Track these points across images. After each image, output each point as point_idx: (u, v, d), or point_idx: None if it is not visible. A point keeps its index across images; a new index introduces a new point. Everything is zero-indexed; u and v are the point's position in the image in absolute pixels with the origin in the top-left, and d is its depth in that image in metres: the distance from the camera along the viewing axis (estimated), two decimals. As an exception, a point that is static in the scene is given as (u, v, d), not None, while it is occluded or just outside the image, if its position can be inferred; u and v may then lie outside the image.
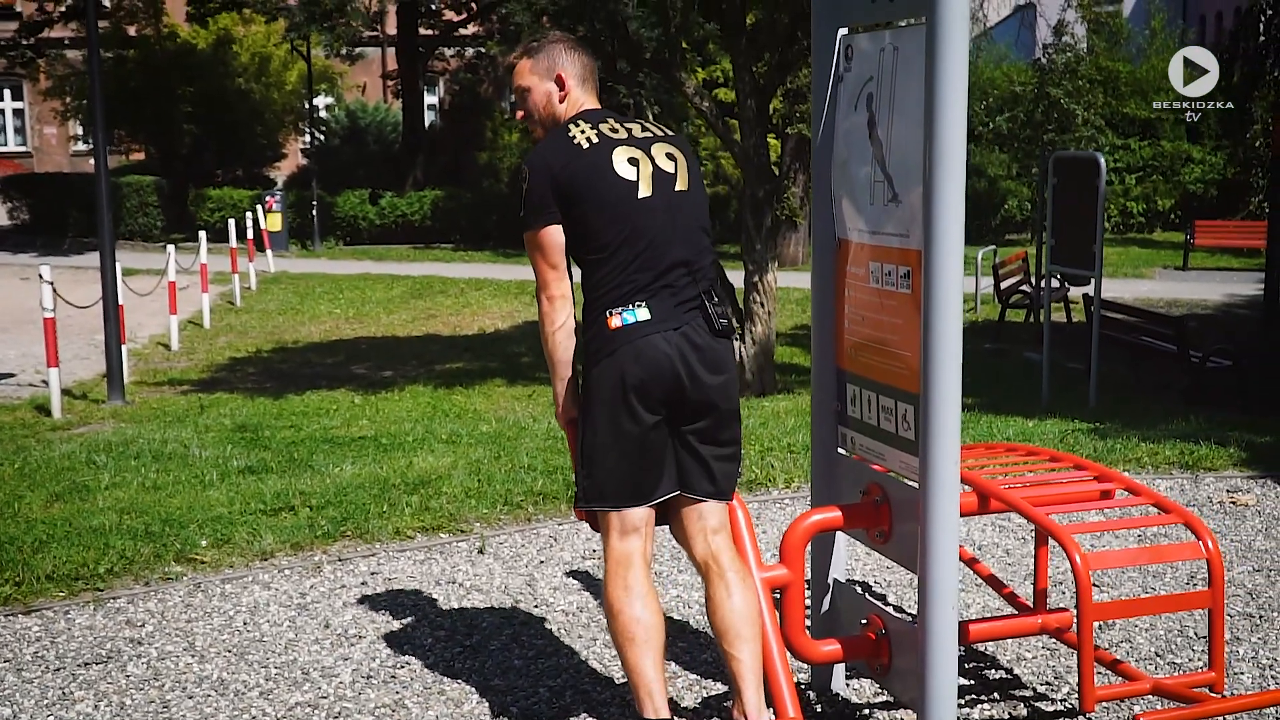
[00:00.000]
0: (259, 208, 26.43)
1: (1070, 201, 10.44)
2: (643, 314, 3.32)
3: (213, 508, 5.97)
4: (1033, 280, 17.78)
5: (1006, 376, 12.97)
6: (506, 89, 38.00)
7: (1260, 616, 4.50)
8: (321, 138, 32.62)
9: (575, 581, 5.00)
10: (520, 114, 3.56)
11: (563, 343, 3.37)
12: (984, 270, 19.32)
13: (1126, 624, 4.39)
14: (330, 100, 35.76)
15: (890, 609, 4.40)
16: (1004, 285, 17.08)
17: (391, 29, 31.92)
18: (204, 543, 5.36)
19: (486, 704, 3.93)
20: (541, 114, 3.50)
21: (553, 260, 3.33)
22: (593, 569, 5.14)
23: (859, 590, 3.99)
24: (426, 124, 34.59)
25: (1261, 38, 24.78)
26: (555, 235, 3.32)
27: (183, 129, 32.04)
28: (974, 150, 31.38)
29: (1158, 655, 4.17)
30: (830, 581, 3.86)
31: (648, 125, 3.52)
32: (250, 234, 22.90)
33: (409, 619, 4.62)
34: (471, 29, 32.00)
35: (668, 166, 3.40)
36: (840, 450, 3.81)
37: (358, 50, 31.60)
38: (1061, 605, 4.10)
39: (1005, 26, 42.50)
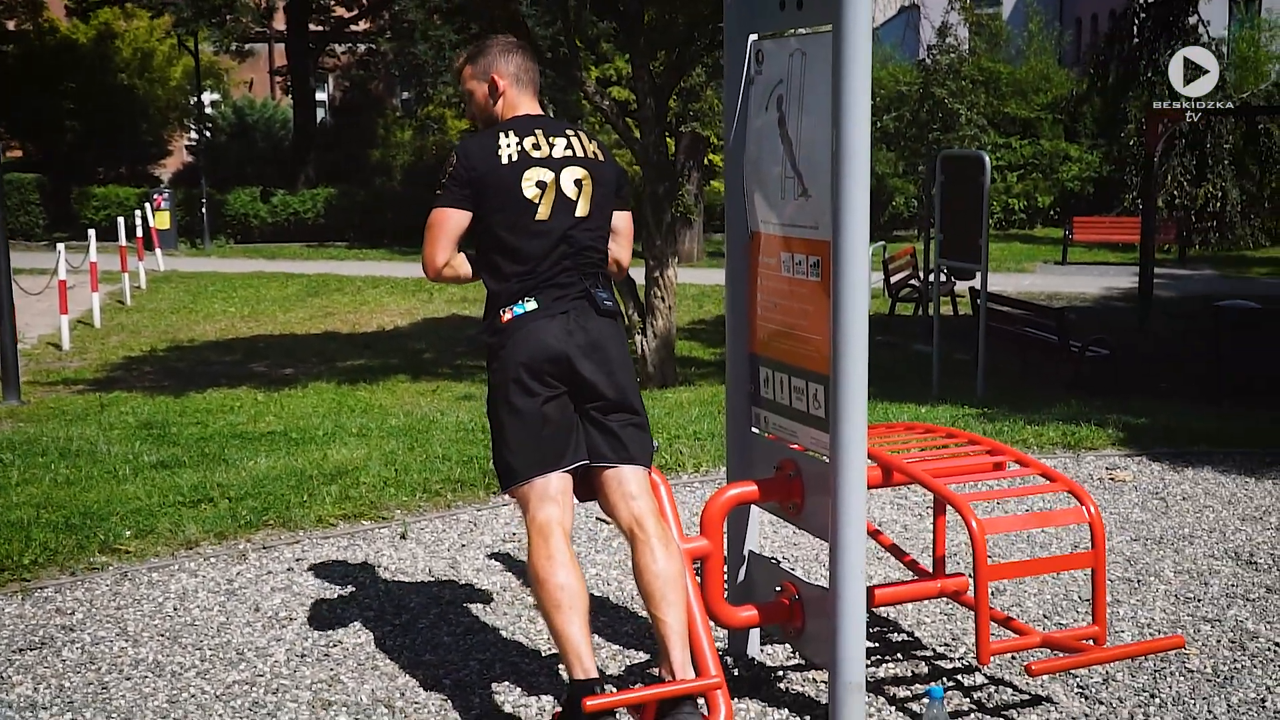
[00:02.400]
0: (147, 206, 26.03)
1: (957, 198, 10.87)
2: (530, 305, 3.61)
3: (130, 500, 6.04)
4: (921, 275, 18.31)
5: (898, 367, 13.40)
6: (398, 86, 37.86)
7: (1138, 581, 4.86)
8: (208, 134, 32.14)
9: (497, 563, 5.20)
10: (467, 117, 3.78)
11: (458, 269, 3.69)
12: (873, 265, 19.83)
13: (1016, 589, 4.71)
14: (216, 97, 35.27)
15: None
16: (894, 280, 17.59)
17: (281, 25, 31.62)
18: (128, 533, 5.44)
19: (419, 677, 4.10)
20: (480, 115, 3.74)
21: (436, 244, 3.63)
22: (513, 550, 5.34)
23: (772, 561, 4.24)
24: (317, 121, 34.27)
25: (1135, 39, 25.76)
26: (453, 218, 3.61)
27: (64, 125, 31.40)
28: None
29: (1045, 617, 4.49)
30: (746, 553, 4.11)
31: (574, 142, 3.73)
32: (139, 232, 22.59)
33: (337, 601, 4.77)
34: (363, 25, 31.82)
35: (571, 193, 3.66)
36: (754, 429, 4.07)
37: (248, 46, 31.23)
38: (958, 571, 4.39)
39: (891, 27, 43.45)
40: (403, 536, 5.52)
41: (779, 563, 4.35)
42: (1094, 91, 27.71)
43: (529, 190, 3.61)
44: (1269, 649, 4.22)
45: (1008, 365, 13.14)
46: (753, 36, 3.90)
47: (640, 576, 3.53)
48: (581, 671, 3.38)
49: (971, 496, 3.71)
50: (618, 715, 3.39)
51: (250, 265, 24.93)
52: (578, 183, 3.69)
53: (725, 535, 3.96)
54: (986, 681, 4.00)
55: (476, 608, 4.71)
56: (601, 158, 3.74)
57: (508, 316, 3.62)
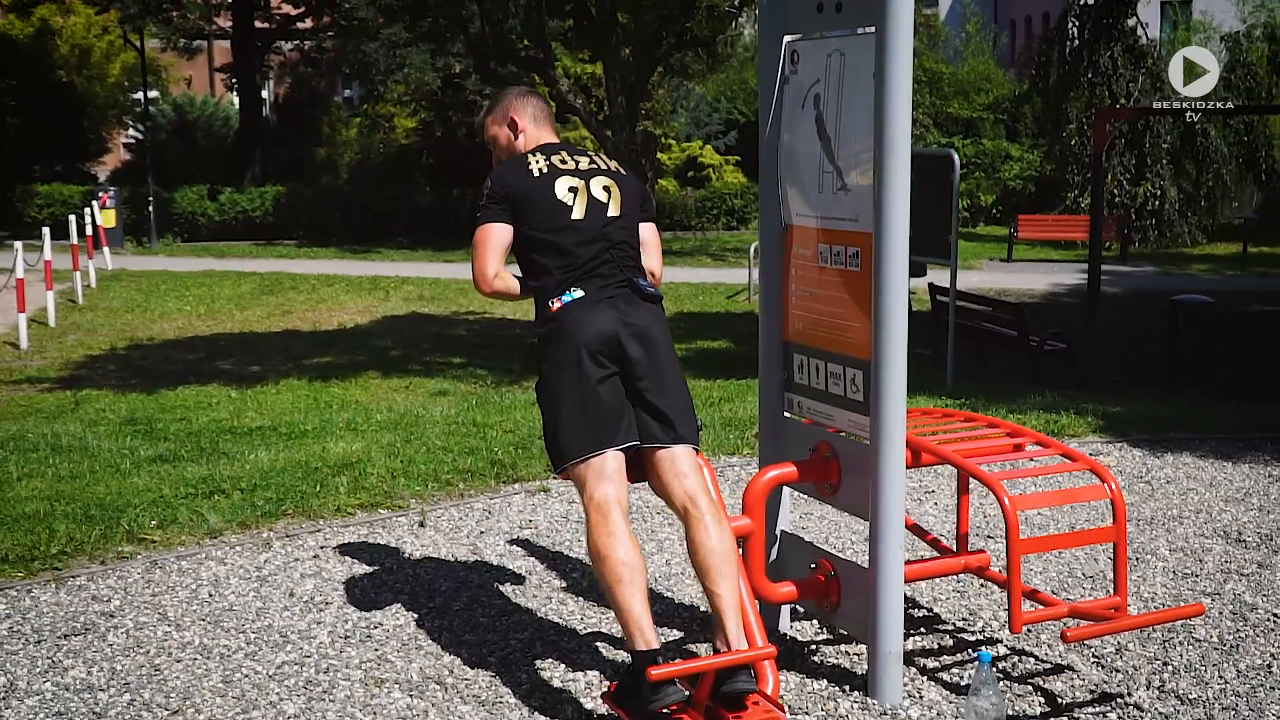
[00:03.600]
0: (93, 204, 25.76)
1: (924, 195, 11.10)
2: (578, 293, 3.82)
3: (144, 493, 6.11)
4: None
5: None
6: (340, 81, 37.66)
7: (1137, 559, 5.11)
8: (148, 132, 31.85)
9: (518, 549, 5.34)
10: (495, 161, 4.12)
11: (508, 281, 3.90)
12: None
13: (1025, 569, 4.94)
14: (155, 94, 34.93)
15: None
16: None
17: (226, 22, 31.40)
18: (153, 523, 5.52)
19: (464, 656, 4.25)
20: (506, 155, 4.05)
21: (484, 258, 3.84)
22: (531, 537, 5.49)
23: (806, 539, 4.43)
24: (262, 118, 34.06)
25: (1074, 41, 26.31)
26: (497, 233, 3.85)
27: (5, 123, 30.99)
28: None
29: (1053, 592, 4.72)
30: (779, 532, 4.29)
31: (595, 159, 4.05)
32: (89, 230, 22.40)
33: (369, 586, 4.90)
34: (309, 23, 31.69)
35: (602, 196, 3.92)
36: (786, 414, 4.25)
37: (195, 43, 30.99)
38: (979, 548, 4.61)
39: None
40: (421, 524, 5.65)
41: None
42: (1035, 92, 28.27)
43: (562, 194, 3.87)
44: (1269, 619, 4.47)
45: (967, 359, 13.43)
46: (787, 38, 4.08)
47: (695, 552, 3.70)
48: (644, 643, 3.55)
49: (1002, 475, 3.91)
50: (677, 684, 3.55)
51: (200, 264, 24.77)
52: (606, 189, 3.94)
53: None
54: (1009, 652, 4.22)
55: (507, 590, 4.86)
56: (624, 172, 4.04)
57: (556, 306, 3.82)
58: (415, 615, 4.61)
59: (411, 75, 28.18)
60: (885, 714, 3.76)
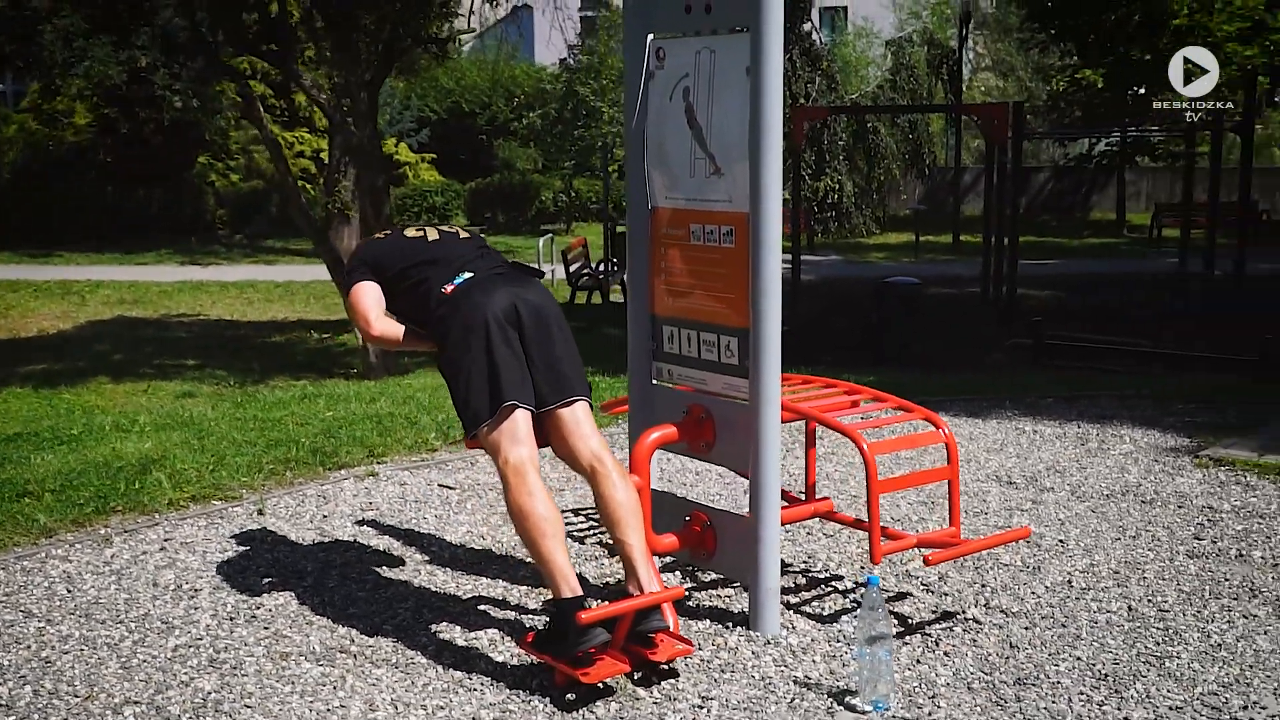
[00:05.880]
0: None
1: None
2: (468, 275, 4.18)
3: (-55, 499, 5.87)
4: (592, 264, 19.20)
5: (601, 351, 14.13)
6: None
7: (933, 503, 5.76)
8: None
9: (368, 529, 5.50)
10: None
11: (388, 329, 4.29)
12: (546, 257, 20.57)
13: (858, 509, 5.50)
14: None
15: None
16: (571, 269, 18.39)
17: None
18: (-22, 526, 5.36)
19: (358, 626, 4.40)
20: None
21: (361, 311, 4.29)
22: (376, 518, 5.64)
23: (678, 495, 4.81)
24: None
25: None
26: (369, 289, 4.30)
27: None
28: (505, 146, 32.85)
29: (899, 526, 5.29)
30: (652, 491, 4.65)
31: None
32: None
33: (233, 571, 4.95)
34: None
35: (447, 228, 4.49)
36: (654, 381, 4.62)
37: None
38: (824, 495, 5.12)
39: (502, 27, 44.40)
40: (260, 512, 5.70)
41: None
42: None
43: (411, 234, 4.42)
44: (1057, 545, 5.18)
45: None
46: (650, 36, 4.45)
47: (605, 506, 4.02)
48: (569, 591, 3.84)
49: (859, 426, 4.42)
50: (601, 627, 3.84)
51: None
52: (443, 228, 4.51)
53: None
54: (854, 586, 4.74)
55: (374, 566, 5.02)
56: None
57: (449, 289, 4.12)
58: (292, 594, 4.72)
59: (94, 69, 26.74)
60: (769, 642, 4.19)
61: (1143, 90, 27.59)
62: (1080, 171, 33.62)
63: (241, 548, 5.24)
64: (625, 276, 18.68)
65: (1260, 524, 5.43)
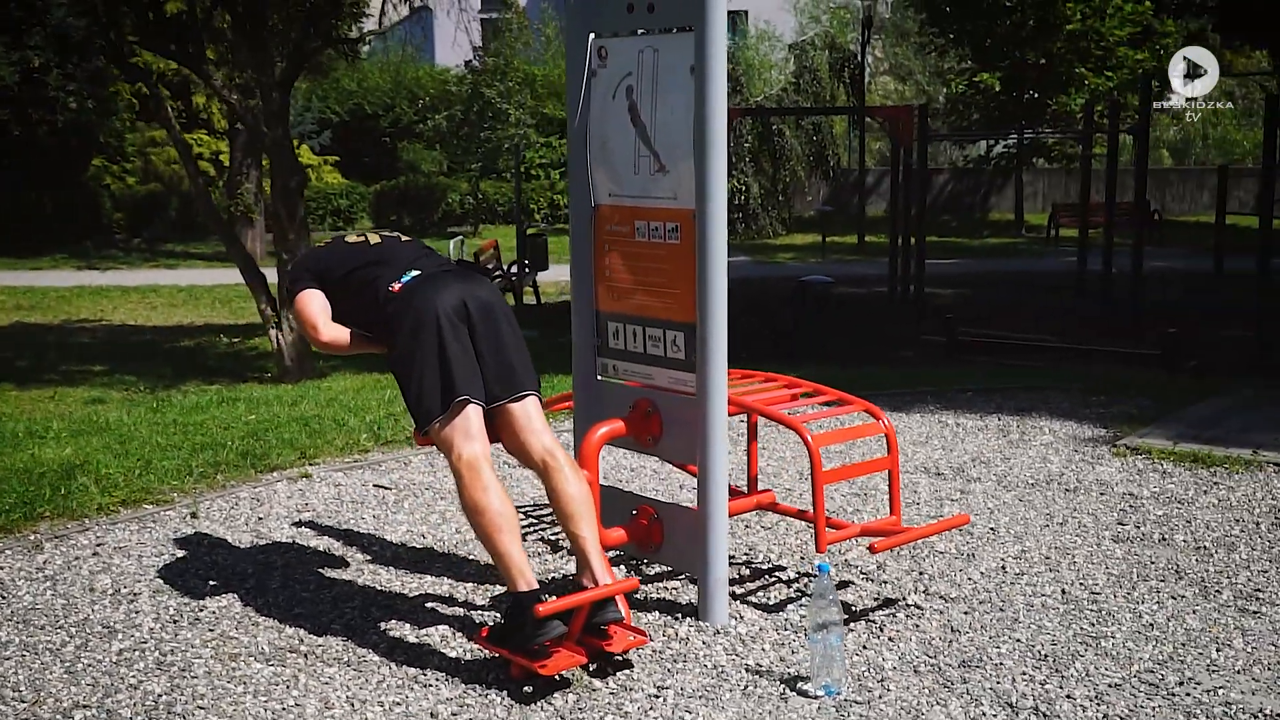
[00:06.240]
0: None
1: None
2: (414, 273, 4.20)
3: None
4: (504, 266, 19.16)
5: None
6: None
7: (867, 495, 5.87)
8: None
9: (306, 530, 5.46)
10: None
11: (336, 334, 4.30)
12: (456, 259, 20.46)
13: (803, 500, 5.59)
14: None
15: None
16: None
17: None
18: (-95, 534, 5.23)
19: (305, 626, 4.38)
20: None
21: (309, 318, 4.32)
22: (313, 518, 5.61)
23: (623, 490, 4.86)
24: None
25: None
26: (315, 296, 4.34)
27: None
28: (409, 148, 32.61)
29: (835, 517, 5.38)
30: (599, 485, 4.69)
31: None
32: None
33: (173, 575, 4.89)
34: None
35: (388, 233, 4.57)
36: (599, 377, 4.67)
37: None
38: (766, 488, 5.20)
39: (405, 27, 44.09)
40: (193, 515, 5.63)
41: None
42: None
43: (352, 239, 4.47)
44: (988, 532, 5.32)
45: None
46: (591, 35, 4.49)
47: (558, 500, 4.05)
48: (525, 584, 3.87)
49: (802, 419, 4.50)
50: (558, 620, 3.87)
51: None
52: (383, 234, 4.58)
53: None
54: (796, 576, 4.83)
55: (316, 568, 4.99)
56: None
57: (397, 286, 4.13)
58: (235, 596, 4.68)
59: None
60: (718, 632, 4.26)
61: (1036, 94, 28.32)
62: (979, 173, 34.33)
63: (178, 551, 5.18)
64: (537, 277, 18.78)
65: (1179, 509, 5.63)
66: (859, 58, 30.83)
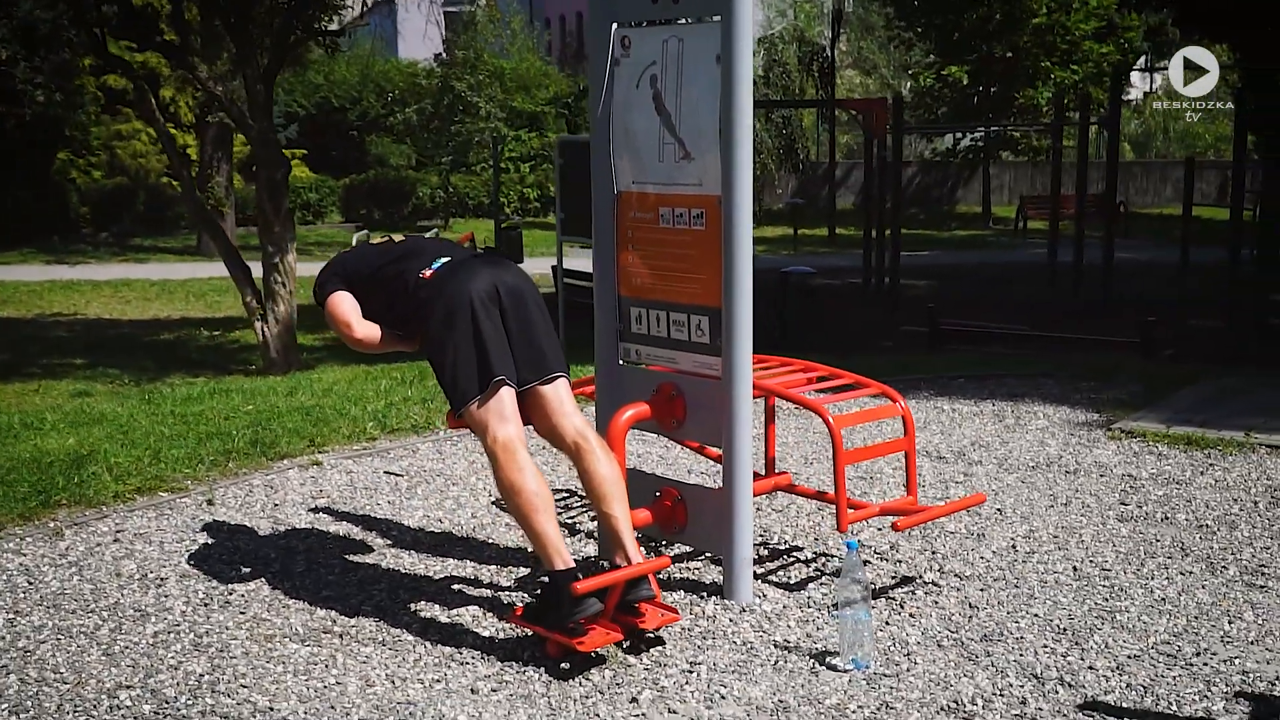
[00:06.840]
0: None
1: (577, 180, 11.79)
2: (445, 259, 4.29)
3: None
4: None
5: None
6: None
7: (872, 479, 5.98)
8: None
9: (324, 515, 5.51)
10: None
11: (369, 331, 4.36)
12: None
13: (819, 481, 5.69)
14: None
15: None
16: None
17: None
18: (-75, 521, 5.24)
19: (336, 608, 4.45)
20: None
21: (341, 318, 4.38)
22: (329, 505, 5.66)
23: (645, 472, 4.94)
24: None
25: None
26: (346, 298, 4.41)
27: None
28: (378, 142, 32.52)
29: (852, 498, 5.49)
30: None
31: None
32: None
33: (197, 560, 4.94)
34: None
35: (411, 235, 4.65)
36: (620, 361, 4.75)
37: None
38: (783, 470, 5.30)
39: (374, 21, 43.92)
40: (210, 502, 5.68)
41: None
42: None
43: (377, 240, 4.55)
44: (995, 513, 5.44)
45: (584, 334, 14.26)
46: (614, 25, 4.56)
47: (590, 481, 4.13)
48: (562, 563, 3.95)
49: (823, 400, 4.60)
50: (595, 598, 3.96)
51: None
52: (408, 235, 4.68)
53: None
54: (814, 556, 4.93)
55: (338, 551, 5.05)
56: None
57: (429, 273, 4.20)
58: (263, 579, 4.73)
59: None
60: (744, 610, 4.35)
61: (1002, 88, 28.56)
62: (945, 166, 34.58)
63: (198, 537, 5.22)
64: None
65: (1178, 489, 5.77)
66: (828, 51, 31.00)
